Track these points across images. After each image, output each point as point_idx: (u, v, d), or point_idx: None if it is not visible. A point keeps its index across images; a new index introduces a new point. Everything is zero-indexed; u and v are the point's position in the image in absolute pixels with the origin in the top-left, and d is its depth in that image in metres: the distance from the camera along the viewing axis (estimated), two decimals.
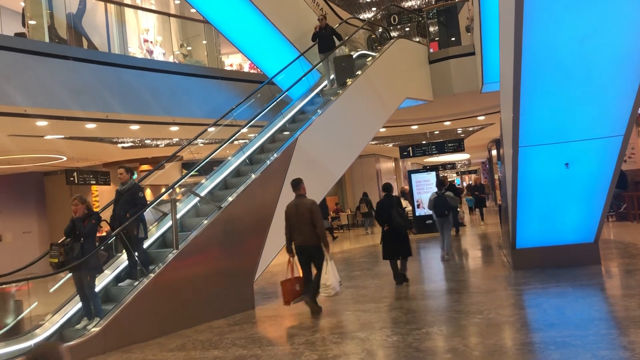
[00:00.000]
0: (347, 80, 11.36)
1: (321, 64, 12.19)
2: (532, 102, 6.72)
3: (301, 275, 7.81)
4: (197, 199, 8.99)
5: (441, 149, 21.21)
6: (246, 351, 6.05)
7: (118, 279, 7.90)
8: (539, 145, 7.44)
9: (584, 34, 5.88)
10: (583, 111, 6.96)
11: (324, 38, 12.09)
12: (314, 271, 7.71)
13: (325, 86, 12.17)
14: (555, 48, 6.10)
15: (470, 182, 46.88)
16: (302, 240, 7.64)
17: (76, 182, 16.94)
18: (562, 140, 7.37)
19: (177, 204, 9.10)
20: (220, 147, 9.14)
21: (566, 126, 7.18)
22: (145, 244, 8.44)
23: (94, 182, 17.69)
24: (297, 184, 7.96)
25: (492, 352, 5.14)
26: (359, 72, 11.66)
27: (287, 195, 9.07)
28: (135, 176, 8.29)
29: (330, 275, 7.37)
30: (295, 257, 7.77)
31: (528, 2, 5.52)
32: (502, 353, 5.05)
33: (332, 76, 11.88)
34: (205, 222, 8.19)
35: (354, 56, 13.56)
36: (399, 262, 9.27)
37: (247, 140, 10.84)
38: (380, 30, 14.77)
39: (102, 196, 18.56)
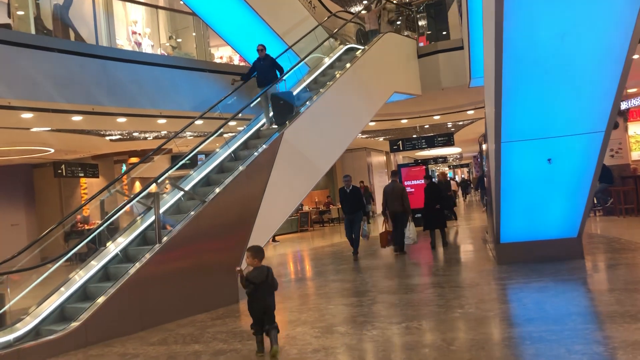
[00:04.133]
0: (287, 122, 9.93)
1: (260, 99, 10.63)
2: (514, 97, 6.74)
3: (390, 230, 11.96)
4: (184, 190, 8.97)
5: (431, 143, 21.26)
6: (226, 345, 6.06)
7: None
8: (521, 141, 7.46)
9: (564, 30, 5.90)
10: (565, 107, 6.98)
11: (263, 70, 10.66)
12: None
13: (262, 125, 10.67)
14: (536, 44, 6.11)
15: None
16: (394, 209, 11.78)
17: (64, 174, 16.87)
18: (544, 136, 7.38)
19: (165, 195, 9.13)
20: (205, 140, 9.13)
21: (548, 122, 7.20)
22: (136, 233, 8.36)
23: (82, 174, 17.63)
24: (395, 173, 12.94)
25: (470, 346, 5.17)
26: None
27: (273, 190, 9.10)
28: None
29: (411, 231, 11.58)
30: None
31: None
32: (478, 348, 5.08)
33: (270, 114, 10.44)
34: (192, 212, 8.19)
35: (343, 49, 13.57)
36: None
37: (234, 134, 10.82)
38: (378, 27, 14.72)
39: (90, 189, 18.50)
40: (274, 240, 19.11)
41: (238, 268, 5.63)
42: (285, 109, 10.06)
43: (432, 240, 12.45)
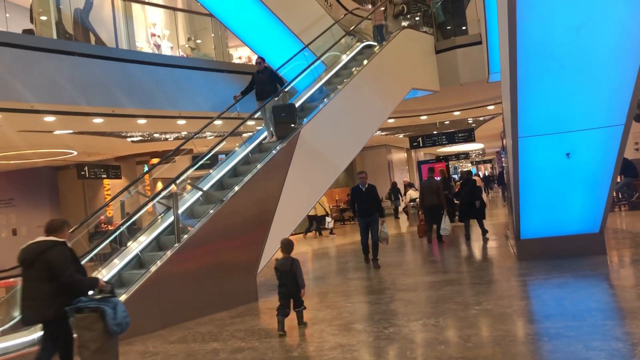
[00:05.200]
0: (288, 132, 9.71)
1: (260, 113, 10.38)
2: (530, 92, 6.66)
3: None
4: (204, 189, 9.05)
5: (451, 139, 21.11)
6: (244, 343, 6.12)
7: None
8: (538, 136, 7.38)
9: (579, 22, 5.82)
10: (582, 101, 6.88)
11: (262, 82, 10.36)
12: None
13: (265, 138, 10.42)
14: (550, 37, 6.04)
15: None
16: (430, 203, 12.55)
17: (87, 176, 17.11)
18: (562, 130, 7.30)
19: (185, 194, 9.23)
20: (219, 142, 9.22)
21: (565, 116, 7.11)
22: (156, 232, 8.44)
23: (104, 176, 17.86)
24: (432, 170, 13.37)
25: (485, 343, 5.15)
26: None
27: (290, 188, 9.14)
28: None
29: (446, 223, 12.41)
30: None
31: None
32: (494, 344, 5.06)
33: (272, 127, 10.11)
34: (211, 212, 8.26)
35: (360, 47, 13.53)
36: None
37: (251, 133, 10.89)
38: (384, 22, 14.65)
39: (113, 190, 18.76)
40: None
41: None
42: (287, 121, 9.75)
43: (466, 232, 12.84)
